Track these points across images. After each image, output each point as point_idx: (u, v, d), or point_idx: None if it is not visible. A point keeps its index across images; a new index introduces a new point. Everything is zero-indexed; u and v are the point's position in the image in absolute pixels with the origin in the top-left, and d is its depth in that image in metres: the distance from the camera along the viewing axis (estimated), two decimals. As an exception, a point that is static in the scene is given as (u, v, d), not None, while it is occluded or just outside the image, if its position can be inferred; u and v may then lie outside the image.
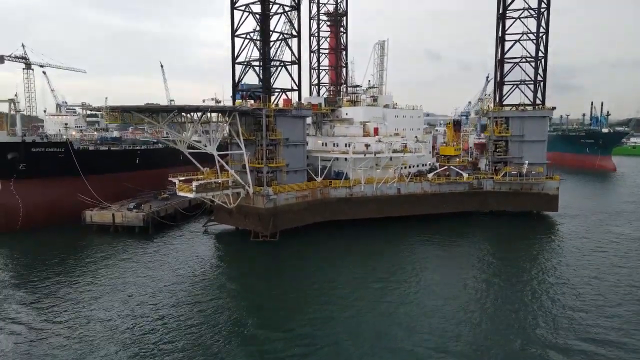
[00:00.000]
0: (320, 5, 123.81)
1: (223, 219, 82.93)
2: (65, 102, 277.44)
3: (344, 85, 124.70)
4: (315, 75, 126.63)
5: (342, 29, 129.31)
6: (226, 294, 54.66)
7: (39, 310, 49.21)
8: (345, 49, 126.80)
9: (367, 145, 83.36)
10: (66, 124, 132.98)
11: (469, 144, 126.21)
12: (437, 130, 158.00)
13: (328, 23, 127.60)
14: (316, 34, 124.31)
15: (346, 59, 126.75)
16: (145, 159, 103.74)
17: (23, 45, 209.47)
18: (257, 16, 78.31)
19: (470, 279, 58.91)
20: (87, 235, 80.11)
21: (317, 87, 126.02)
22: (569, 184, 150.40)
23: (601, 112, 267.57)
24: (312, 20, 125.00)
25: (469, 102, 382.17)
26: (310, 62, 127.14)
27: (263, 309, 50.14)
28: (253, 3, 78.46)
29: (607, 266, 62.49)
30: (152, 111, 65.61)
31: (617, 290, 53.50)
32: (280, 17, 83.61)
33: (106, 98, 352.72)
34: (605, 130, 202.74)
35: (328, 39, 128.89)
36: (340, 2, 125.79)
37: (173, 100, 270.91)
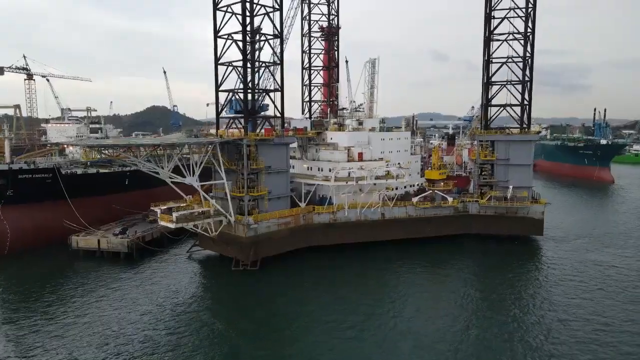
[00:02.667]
0: (312, 22, 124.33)
1: (207, 245, 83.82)
2: (69, 109, 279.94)
3: (336, 103, 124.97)
4: (307, 92, 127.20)
5: (334, 44, 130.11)
6: (200, 326, 55.73)
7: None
8: (337, 65, 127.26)
9: (349, 173, 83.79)
10: (63, 152, 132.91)
11: (462, 158, 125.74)
12: (431, 144, 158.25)
13: (322, 39, 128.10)
14: (307, 51, 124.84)
15: (338, 76, 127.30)
16: (135, 180, 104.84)
17: (24, 57, 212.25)
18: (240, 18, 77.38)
19: (454, 308, 60.97)
20: (73, 261, 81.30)
21: (308, 104, 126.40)
22: (562, 197, 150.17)
23: (604, 117, 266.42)
24: (304, 37, 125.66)
25: (472, 107, 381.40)
26: (302, 79, 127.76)
27: (235, 344, 51.37)
28: (235, 4, 77.62)
29: (576, 297, 63.40)
30: (128, 147, 66.31)
31: (577, 326, 53.83)
32: (262, 18, 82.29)
33: (111, 102, 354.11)
34: (604, 141, 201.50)
35: (321, 56, 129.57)
36: (333, 19, 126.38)
37: (176, 106, 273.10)
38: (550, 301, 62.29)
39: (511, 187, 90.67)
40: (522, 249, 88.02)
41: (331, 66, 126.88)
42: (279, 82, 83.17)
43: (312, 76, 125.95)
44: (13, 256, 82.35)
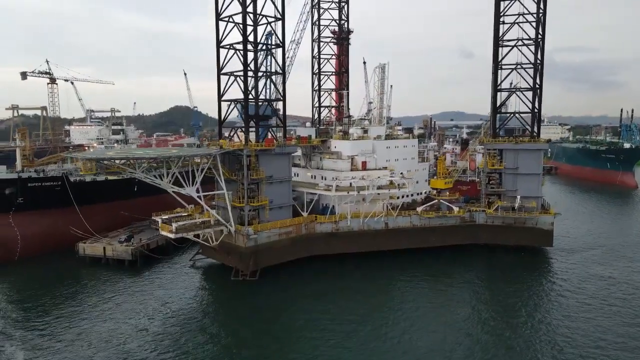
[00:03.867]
0: (323, 27, 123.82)
1: (210, 253, 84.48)
2: (92, 111, 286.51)
3: (342, 110, 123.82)
4: (316, 98, 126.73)
5: (346, 49, 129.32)
6: (187, 339, 56.09)
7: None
8: (347, 71, 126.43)
9: (350, 183, 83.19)
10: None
11: (475, 163, 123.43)
12: (445, 148, 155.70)
13: (333, 43, 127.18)
14: (317, 56, 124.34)
15: (348, 82, 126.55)
16: (144, 186, 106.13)
17: (47, 62, 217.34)
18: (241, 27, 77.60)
19: (458, 323, 60.36)
20: (79, 268, 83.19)
21: (317, 109, 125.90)
22: (580, 203, 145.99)
23: (631, 118, 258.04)
24: (314, 42, 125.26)
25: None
26: (313, 84, 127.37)
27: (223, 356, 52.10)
28: (236, 14, 77.75)
29: (579, 312, 61.71)
30: (126, 159, 67.13)
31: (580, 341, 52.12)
32: (265, 27, 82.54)
33: (134, 103, 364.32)
34: (627, 145, 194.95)
35: (332, 61, 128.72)
36: (343, 23, 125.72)
37: (196, 107, 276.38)
38: (548, 323, 60.41)
39: (519, 197, 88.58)
40: (529, 260, 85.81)
41: (341, 72, 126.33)
42: (281, 92, 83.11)
43: (323, 81, 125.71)
44: (22, 262, 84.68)
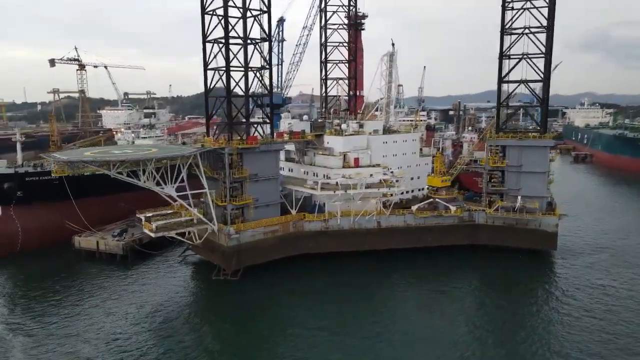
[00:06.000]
0: (332, 13, 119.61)
1: (198, 250, 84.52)
2: (127, 94, 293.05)
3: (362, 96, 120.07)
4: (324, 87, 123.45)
5: (358, 35, 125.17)
6: (157, 340, 57.15)
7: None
8: (355, 59, 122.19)
9: (337, 182, 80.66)
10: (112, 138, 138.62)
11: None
12: (464, 137, 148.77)
13: (342, 28, 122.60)
14: (324, 44, 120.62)
15: (355, 71, 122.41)
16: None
17: (76, 48, 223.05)
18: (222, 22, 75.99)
19: (447, 326, 59.84)
20: (74, 261, 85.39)
21: (324, 98, 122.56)
22: (608, 196, 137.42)
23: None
24: (321, 30, 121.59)
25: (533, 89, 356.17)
26: (321, 73, 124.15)
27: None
28: (219, 8, 75.81)
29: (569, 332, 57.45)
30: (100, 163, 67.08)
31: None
32: (252, 23, 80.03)
33: (170, 85, 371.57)
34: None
35: (340, 49, 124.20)
36: (354, 5, 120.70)
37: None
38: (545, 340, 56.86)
39: (520, 197, 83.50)
40: (527, 264, 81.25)
41: (350, 60, 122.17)
42: (268, 87, 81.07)
43: (332, 69, 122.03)
44: (23, 254, 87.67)
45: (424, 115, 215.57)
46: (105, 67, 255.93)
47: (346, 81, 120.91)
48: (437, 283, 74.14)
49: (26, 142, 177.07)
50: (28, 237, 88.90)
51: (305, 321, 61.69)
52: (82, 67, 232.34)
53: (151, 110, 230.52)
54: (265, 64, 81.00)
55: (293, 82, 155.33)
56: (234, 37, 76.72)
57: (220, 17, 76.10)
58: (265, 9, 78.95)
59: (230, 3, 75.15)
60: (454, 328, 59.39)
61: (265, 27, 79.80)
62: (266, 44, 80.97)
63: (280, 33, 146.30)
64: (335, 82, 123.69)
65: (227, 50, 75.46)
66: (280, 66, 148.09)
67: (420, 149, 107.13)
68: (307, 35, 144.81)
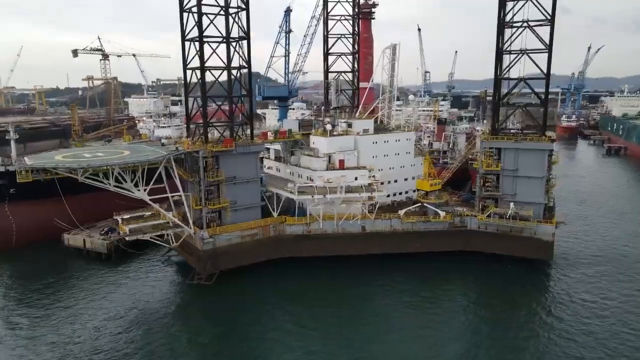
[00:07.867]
0: (333, 2, 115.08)
1: (179, 251, 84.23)
2: (155, 81, 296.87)
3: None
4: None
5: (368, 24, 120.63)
6: (124, 344, 57.78)
7: None
8: (358, 52, 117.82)
9: (313, 186, 78.04)
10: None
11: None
12: (477, 130, 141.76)
13: (356, 17, 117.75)
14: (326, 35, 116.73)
15: (358, 64, 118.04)
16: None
17: (99, 38, 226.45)
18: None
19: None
20: (64, 258, 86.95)
21: (325, 92, 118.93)
22: (632, 196, 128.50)
23: None
24: (323, 21, 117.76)
25: (572, 74, 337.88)
26: (324, 65, 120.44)
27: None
28: (194, 5, 73.77)
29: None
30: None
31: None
32: (234, 18, 77.25)
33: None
34: None
35: (343, 39, 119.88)
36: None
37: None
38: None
39: (512, 204, 78.37)
40: (521, 274, 76.55)
41: (354, 51, 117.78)
42: (247, 87, 78.79)
43: (332, 61, 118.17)
44: (17, 250, 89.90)
45: (443, 105, 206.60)
46: (134, 55, 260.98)
47: (349, 74, 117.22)
48: (422, 291, 71.57)
49: (52, 130, 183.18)
50: (21, 234, 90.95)
51: (272, 330, 60.90)
52: (105, 56, 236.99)
53: (178, 98, 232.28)
54: (244, 63, 78.49)
55: (302, 72, 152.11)
56: (210, 37, 74.79)
57: (195, 15, 74.08)
58: (243, 6, 76.26)
59: (206, 1, 72.97)
60: (436, 339, 58.13)
61: (244, 25, 77.23)
62: (245, 42, 78.35)
63: (287, 24, 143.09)
64: (337, 75, 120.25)
65: (202, 46, 73.71)
66: (287, 57, 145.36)
67: (425, 145, 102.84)
68: (316, 25, 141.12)
